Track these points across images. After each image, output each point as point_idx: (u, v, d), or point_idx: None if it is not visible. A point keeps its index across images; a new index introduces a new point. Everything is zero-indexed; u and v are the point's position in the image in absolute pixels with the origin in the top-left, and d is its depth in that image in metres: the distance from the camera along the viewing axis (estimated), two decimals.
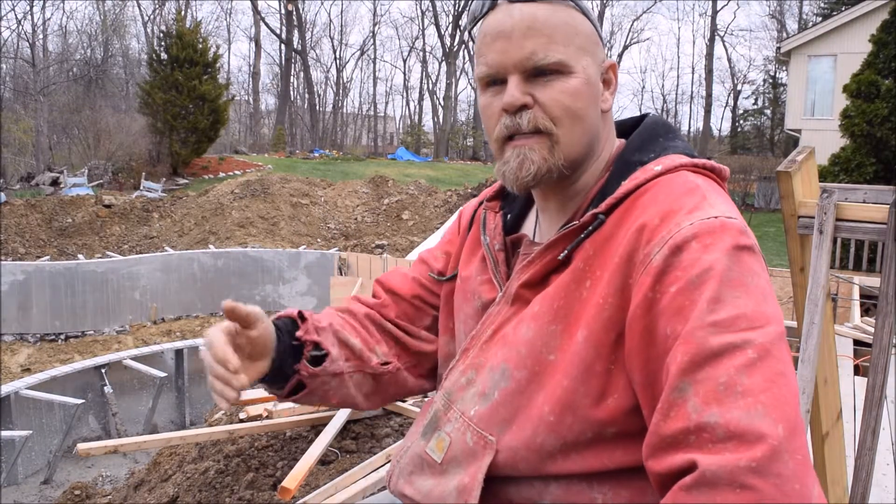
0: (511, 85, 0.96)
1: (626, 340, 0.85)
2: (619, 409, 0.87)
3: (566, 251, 0.95)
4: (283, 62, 45.36)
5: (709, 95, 41.43)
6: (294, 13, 43.14)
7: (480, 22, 1.01)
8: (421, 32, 51.35)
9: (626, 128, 1.08)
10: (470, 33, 1.10)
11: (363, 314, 1.22)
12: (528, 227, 1.12)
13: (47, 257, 13.80)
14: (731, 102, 43.60)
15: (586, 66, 0.97)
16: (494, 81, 0.99)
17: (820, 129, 17.99)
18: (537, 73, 0.95)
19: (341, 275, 12.75)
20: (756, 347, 0.75)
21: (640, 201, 0.91)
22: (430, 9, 44.91)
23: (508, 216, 1.15)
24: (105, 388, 7.64)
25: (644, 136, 1.02)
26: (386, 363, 1.18)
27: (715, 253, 0.81)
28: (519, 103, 0.95)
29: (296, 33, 43.98)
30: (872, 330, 3.54)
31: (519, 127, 0.96)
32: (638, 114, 1.12)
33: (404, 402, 4.07)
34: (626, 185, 0.94)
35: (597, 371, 0.88)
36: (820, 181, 2.03)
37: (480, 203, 1.20)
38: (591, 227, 0.93)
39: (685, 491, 0.71)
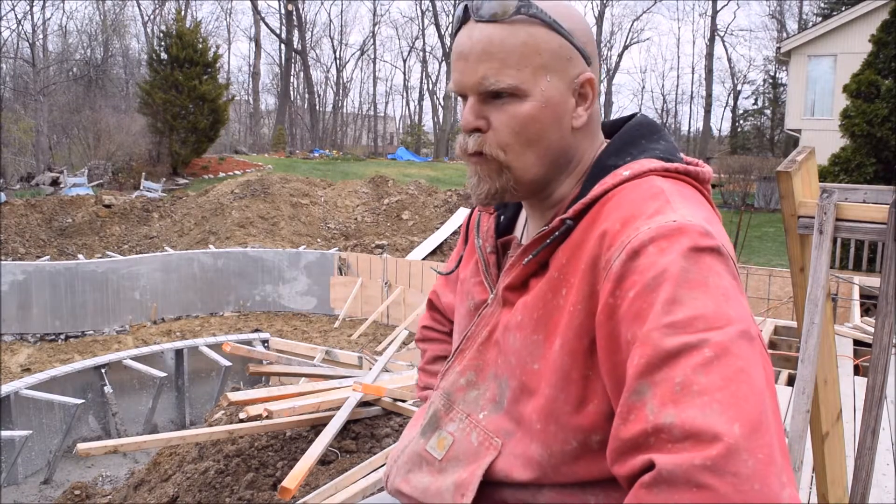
0: (467, 107, 0.97)
1: (597, 347, 0.86)
2: (600, 414, 0.87)
3: (531, 255, 0.96)
4: (283, 62, 45.36)
5: (709, 95, 41.46)
6: (294, 13, 43.13)
7: (456, 37, 1.02)
8: (421, 32, 51.31)
9: (616, 128, 1.08)
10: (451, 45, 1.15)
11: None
12: (519, 229, 1.13)
13: (47, 257, 13.80)
14: (731, 102, 43.63)
15: (546, 88, 0.95)
16: (464, 96, 1.01)
17: (820, 129, 17.99)
18: (494, 95, 0.95)
19: (341, 275, 12.77)
20: (713, 346, 0.74)
21: (606, 207, 0.91)
22: (430, 9, 44.94)
23: (502, 217, 1.16)
24: (105, 388, 7.63)
25: (624, 139, 1.01)
26: None
27: (670, 255, 0.80)
28: (471, 127, 0.97)
29: (296, 33, 43.97)
30: (872, 330, 3.54)
31: (466, 147, 0.99)
32: (635, 113, 1.11)
33: (404, 401, 4.07)
34: (594, 190, 0.94)
35: (574, 378, 0.88)
36: (820, 181, 2.03)
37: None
38: (558, 232, 0.94)
39: (645, 489, 0.71)
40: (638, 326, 0.79)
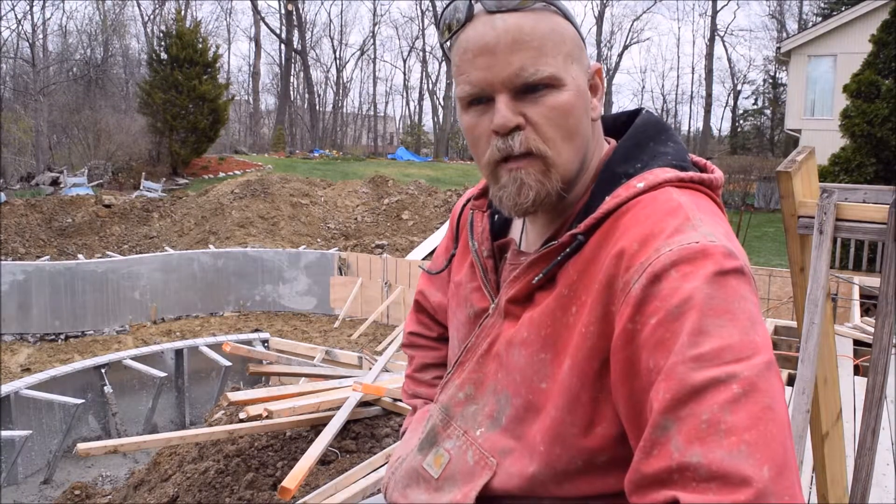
0: (500, 105, 0.88)
1: (611, 371, 0.82)
2: (609, 436, 0.85)
3: (542, 274, 0.92)
4: (283, 62, 45.36)
5: (709, 95, 41.47)
6: (294, 13, 43.13)
7: (457, 35, 0.92)
8: (421, 32, 51.21)
9: (618, 125, 1.03)
10: (443, 46, 0.97)
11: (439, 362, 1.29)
12: (515, 231, 1.07)
13: (47, 257, 13.80)
14: (731, 102, 43.67)
15: (576, 76, 0.91)
16: (479, 100, 0.91)
17: (820, 129, 17.98)
18: (527, 90, 0.88)
19: (341, 274, 12.77)
20: (741, 382, 0.71)
21: (621, 222, 0.86)
22: (430, 9, 44.91)
23: (496, 217, 1.10)
24: (105, 388, 7.62)
25: (633, 142, 0.96)
26: None
27: (695, 281, 0.76)
28: (511, 125, 0.88)
29: (296, 33, 43.97)
30: (872, 330, 3.54)
31: (511, 150, 0.90)
32: (639, 108, 1.05)
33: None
34: (606, 203, 0.89)
35: (583, 401, 0.85)
36: (820, 181, 2.03)
37: (468, 201, 1.14)
38: (569, 248, 0.90)
39: None
40: (661, 356, 0.75)
